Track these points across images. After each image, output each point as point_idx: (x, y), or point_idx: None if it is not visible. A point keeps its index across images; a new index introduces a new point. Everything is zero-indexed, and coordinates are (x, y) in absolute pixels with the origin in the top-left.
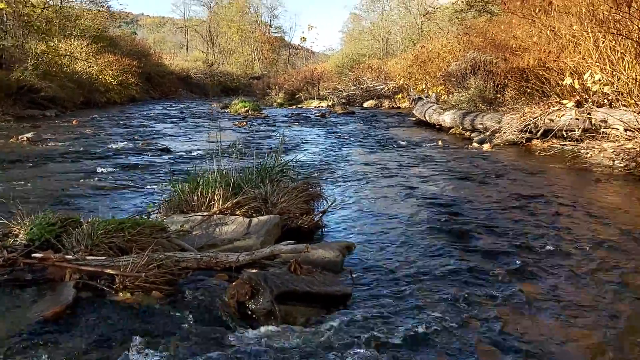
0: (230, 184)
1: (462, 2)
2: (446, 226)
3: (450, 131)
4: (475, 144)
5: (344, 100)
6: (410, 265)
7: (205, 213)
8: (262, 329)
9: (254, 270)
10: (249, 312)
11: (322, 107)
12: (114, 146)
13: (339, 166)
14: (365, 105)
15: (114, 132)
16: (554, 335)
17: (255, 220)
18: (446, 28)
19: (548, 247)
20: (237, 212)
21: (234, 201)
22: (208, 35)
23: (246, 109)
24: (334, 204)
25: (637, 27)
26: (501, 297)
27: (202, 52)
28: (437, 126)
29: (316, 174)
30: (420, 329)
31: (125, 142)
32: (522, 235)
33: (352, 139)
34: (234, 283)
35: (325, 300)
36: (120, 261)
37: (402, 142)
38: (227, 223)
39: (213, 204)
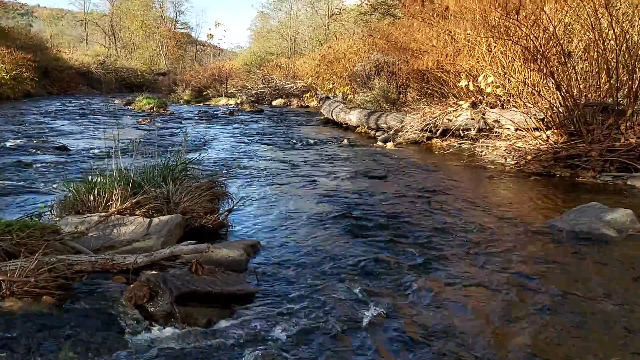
0: (130, 183)
1: (367, 4)
2: (351, 222)
3: (357, 130)
4: (379, 143)
5: (252, 99)
6: (316, 261)
7: (103, 214)
8: (161, 331)
9: (153, 272)
10: (148, 315)
11: (230, 104)
12: (6, 144)
13: (246, 164)
14: (274, 103)
15: (5, 129)
16: (453, 323)
17: (155, 220)
18: (352, 29)
19: (445, 239)
20: (137, 213)
21: (134, 201)
22: (110, 30)
23: (151, 105)
24: (239, 203)
25: (524, 34)
26: (402, 288)
27: (104, 46)
28: (344, 125)
29: (222, 173)
30: (324, 325)
31: (19, 140)
32: (422, 229)
33: (260, 137)
34: (131, 285)
35: (228, 300)
36: (7, 266)
37: (309, 140)
38: (126, 224)
39: (111, 204)
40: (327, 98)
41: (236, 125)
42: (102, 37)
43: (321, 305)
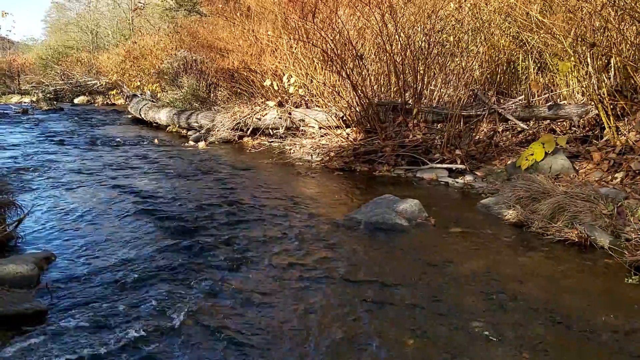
0: None
1: (172, 0)
2: (158, 226)
3: (168, 129)
4: (191, 142)
5: (50, 96)
6: (119, 270)
7: None
8: None
9: None
10: None
11: (24, 102)
12: None
13: (42, 169)
14: (76, 101)
15: None
16: (259, 322)
17: None
18: (157, 25)
19: (252, 238)
20: None
21: None
22: None
23: None
24: (34, 211)
25: (322, 36)
26: (209, 291)
27: None
28: (154, 124)
29: (11, 179)
30: (125, 336)
31: None
32: (230, 229)
33: (59, 137)
34: None
35: (16, 321)
36: None
37: (116, 141)
38: None
39: None
40: (135, 96)
41: (30, 126)
42: None
43: (122, 316)
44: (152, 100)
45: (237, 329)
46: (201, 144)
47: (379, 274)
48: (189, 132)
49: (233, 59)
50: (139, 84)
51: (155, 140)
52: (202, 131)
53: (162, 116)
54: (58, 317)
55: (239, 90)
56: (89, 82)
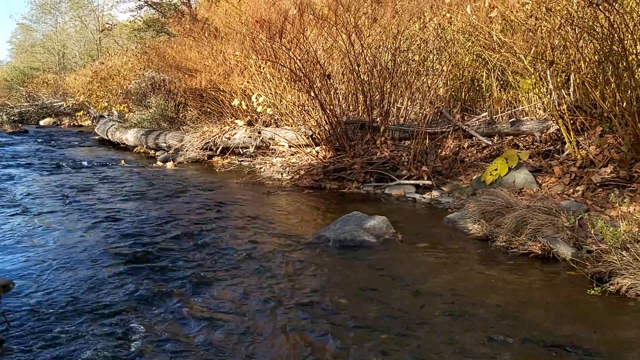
0: None
1: (140, 21)
2: (123, 250)
3: (135, 150)
4: (159, 163)
5: (15, 118)
6: (79, 296)
7: None
8: None
9: None
10: None
11: None
12: None
13: (4, 193)
14: (42, 123)
15: None
16: (223, 344)
17: None
18: (126, 45)
19: (220, 260)
20: None
21: None
22: None
23: None
24: None
25: (289, 57)
26: (172, 315)
27: None
28: (122, 145)
29: None
30: None
31: None
32: (197, 251)
33: (23, 160)
34: None
35: None
36: None
37: (82, 163)
38: None
39: None
40: (102, 117)
41: None
42: None
43: (80, 344)
44: (120, 121)
45: (200, 354)
46: (169, 165)
47: (345, 292)
48: (157, 153)
49: (201, 78)
50: (106, 104)
51: (122, 162)
52: (171, 151)
53: (130, 137)
54: (15, 349)
55: (208, 109)
56: (55, 104)
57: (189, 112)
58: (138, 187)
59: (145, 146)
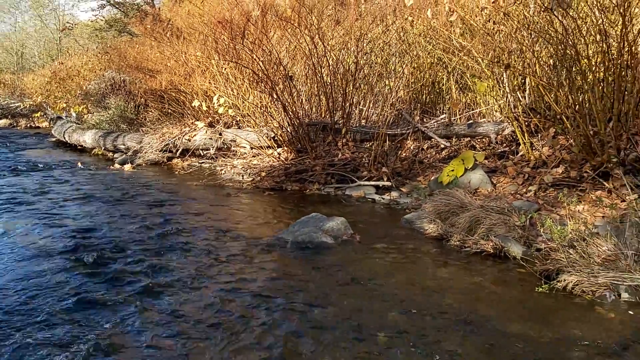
0: None
1: (102, 20)
2: (77, 254)
3: (93, 152)
4: (117, 165)
5: None
6: (28, 303)
7: None
8: None
9: None
10: None
11: None
12: None
13: None
14: None
15: None
16: (173, 355)
17: None
18: (86, 45)
19: (177, 263)
20: None
21: None
22: None
23: None
24: None
25: (252, 58)
26: (123, 321)
27: None
28: (79, 147)
29: None
30: None
31: None
32: (154, 255)
33: None
34: None
35: None
36: None
37: (37, 165)
38: None
39: None
40: (60, 118)
41: None
42: None
43: (28, 353)
44: (78, 123)
45: None
46: (127, 167)
47: (302, 293)
48: (116, 155)
49: (162, 79)
50: (65, 105)
51: (79, 164)
52: (129, 153)
53: (87, 138)
54: None
55: (169, 111)
56: (11, 105)
57: (150, 113)
58: (93, 189)
59: (103, 148)
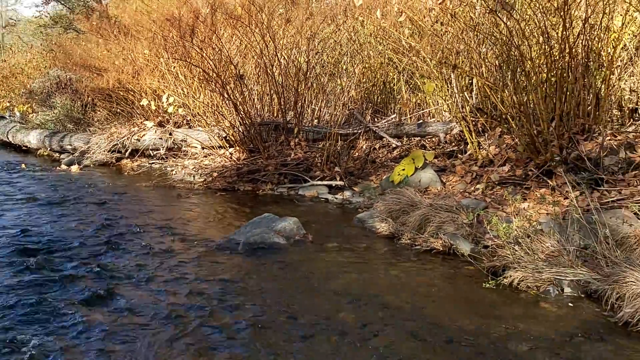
0: None
1: (47, 17)
2: (20, 259)
3: (38, 153)
4: (63, 166)
5: None
6: None
7: None
8: None
9: None
10: None
11: None
12: None
13: None
14: None
15: None
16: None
17: None
18: (31, 42)
19: (126, 266)
20: None
21: None
22: None
23: None
24: None
25: (202, 56)
26: (69, 327)
27: None
28: (24, 147)
29: None
30: None
31: None
32: (102, 257)
33: None
34: None
35: None
36: None
37: None
38: None
39: None
40: (2, 117)
41: None
42: None
43: None
44: (22, 123)
45: None
46: (75, 168)
47: (252, 294)
48: (62, 156)
49: (109, 77)
50: (8, 105)
51: (23, 165)
52: (77, 154)
53: (32, 139)
54: None
55: (118, 110)
56: None
57: (98, 112)
58: (38, 191)
59: (49, 149)
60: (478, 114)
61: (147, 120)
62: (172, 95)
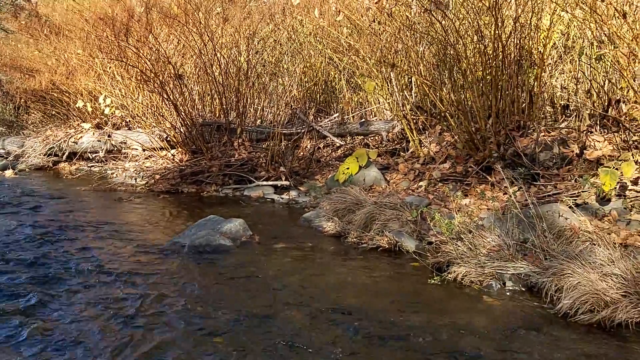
0: None
1: None
2: None
3: None
4: None
5: None
6: None
7: None
8: None
9: None
10: None
11: None
12: None
13: None
14: None
15: None
16: None
17: None
18: None
19: (64, 273)
20: None
21: None
22: None
23: None
24: None
25: (139, 56)
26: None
27: None
28: None
29: None
30: None
31: None
32: (38, 265)
33: None
34: None
35: None
36: None
37: None
38: None
39: None
40: None
41: None
42: None
43: None
44: None
45: None
46: (9, 173)
47: (198, 298)
48: None
49: (41, 79)
50: None
51: None
52: (10, 158)
53: None
54: None
55: (53, 112)
56: None
57: (32, 115)
58: None
59: None
60: (418, 112)
61: (84, 122)
62: (110, 96)
